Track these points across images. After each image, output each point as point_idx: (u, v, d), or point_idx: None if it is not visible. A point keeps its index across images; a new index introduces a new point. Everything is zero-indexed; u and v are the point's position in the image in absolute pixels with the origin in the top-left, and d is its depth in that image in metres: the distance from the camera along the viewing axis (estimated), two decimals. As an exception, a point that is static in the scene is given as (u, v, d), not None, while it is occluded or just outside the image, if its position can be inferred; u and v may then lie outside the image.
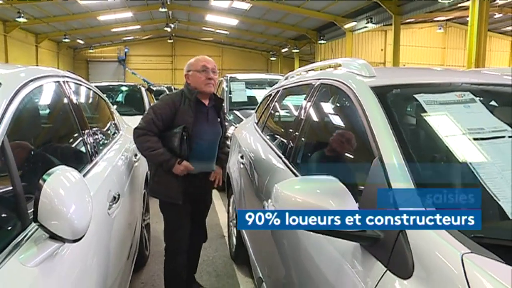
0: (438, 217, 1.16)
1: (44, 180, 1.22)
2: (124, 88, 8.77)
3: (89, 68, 32.70)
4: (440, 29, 26.14)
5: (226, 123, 7.10)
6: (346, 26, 19.54)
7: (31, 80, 1.74)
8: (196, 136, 2.73)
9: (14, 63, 20.23)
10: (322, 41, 22.59)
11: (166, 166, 2.69)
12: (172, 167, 2.69)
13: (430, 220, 1.14)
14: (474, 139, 1.48)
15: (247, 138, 3.67)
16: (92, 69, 32.51)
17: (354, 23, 19.07)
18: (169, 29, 26.14)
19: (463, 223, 1.20)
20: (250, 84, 8.13)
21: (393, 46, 17.15)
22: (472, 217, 1.29)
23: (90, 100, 3.10)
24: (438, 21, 25.58)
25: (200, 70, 2.79)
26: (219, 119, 2.95)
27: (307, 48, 25.96)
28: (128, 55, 32.62)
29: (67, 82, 2.32)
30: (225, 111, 7.35)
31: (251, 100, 7.41)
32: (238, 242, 3.58)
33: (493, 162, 1.40)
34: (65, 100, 2.20)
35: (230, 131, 5.28)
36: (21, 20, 18.63)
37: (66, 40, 25.49)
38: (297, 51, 26.66)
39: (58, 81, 2.18)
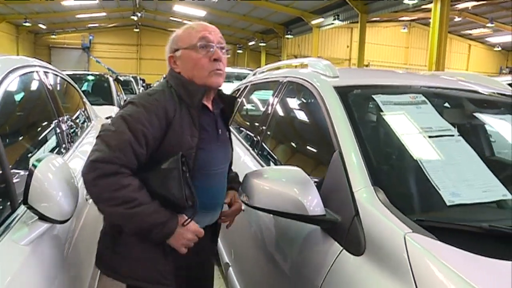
0: (388, 202, 1.35)
1: (35, 166, 1.33)
2: (90, 77, 8.69)
3: (51, 54, 31.73)
4: (404, 29, 26.92)
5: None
6: (313, 22, 19.85)
7: (11, 71, 1.80)
8: (202, 168, 1.60)
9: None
10: (289, 36, 22.85)
11: (158, 235, 1.47)
12: (170, 236, 1.49)
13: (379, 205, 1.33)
14: (423, 136, 1.67)
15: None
16: (54, 55, 31.56)
17: (321, 19, 19.39)
18: (135, 18, 25.73)
19: (408, 207, 1.39)
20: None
21: (359, 43, 17.58)
22: (416, 202, 1.49)
23: (64, 89, 3.14)
24: (402, 21, 26.32)
25: (198, 47, 1.60)
26: (227, 132, 1.82)
27: (274, 42, 26.18)
28: (92, 43, 31.88)
29: (43, 71, 2.38)
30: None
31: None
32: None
33: (437, 157, 1.60)
34: (43, 90, 2.27)
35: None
36: (-24, 0, 17.93)
37: (27, 24, 24.64)
38: (264, 45, 26.84)
39: (35, 71, 2.24)
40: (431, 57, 13.58)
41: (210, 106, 1.69)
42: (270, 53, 28.23)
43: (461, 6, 18.61)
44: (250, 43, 29.16)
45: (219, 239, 2.98)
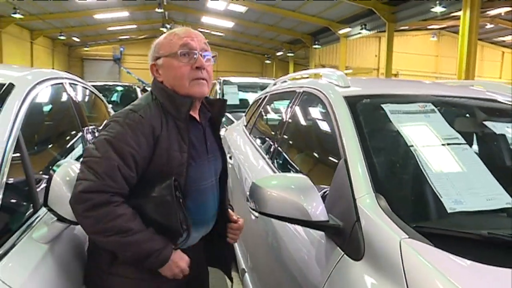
0: (388, 209, 1.39)
1: (54, 171, 1.43)
2: (119, 88, 8.96)
3: (84, 66, 32.72)
4: (433, 37, 26.53)
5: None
6: (341, 32, 19.82)
7: (39, 82, 1.94)
8: (192, 184, 1.55)
9: (8, 58, 20.32)
10: (317, 46, 22.86)
11: (154, 263, 1.44)
12: (165, 263, 1.45)
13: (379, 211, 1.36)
14: (429, 145, 1.70)
15: (236, 139, 3.88)
16: (87, 67, 32.55)
17: (348, 29, 19.35)
18: (165, 30, 26.02)
19: (408, 214, 1.43)
20: (243, 88, 8.35)
21: (386, 53, 17.44)
22: (417, 209, 1.52)
23: (89, 100, 3.28)
24: (432, 29, 25.96)
25: (179, 54, 1.52)
26: (217, 142, 1.74)
27: (302, 52, 26.24)
28: (123, 54, 32.69)
29: (69, 83, 2.52)
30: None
31: (244, 103, 7.62)
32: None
33: (442, 165, 1.62)
34: (68, 100, 2.40)
35: (222, 133, 5.47)
36: (17, 16, 18.70)
37: (62, 38, 25.57)
38: (292, 55, 26.92)
39: (61, 83, 2.38)
40: (461, 65, 13.35)
41: (197, 116, 1.62)
42: (298, 63, 28.27)
43: (493, 12, 18.25)
44: (278, 53, 29.31)
45: (236, 246, 3.06)
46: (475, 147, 1.96)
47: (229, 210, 1.82)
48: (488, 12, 18.02)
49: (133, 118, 1.45)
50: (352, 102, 1.96)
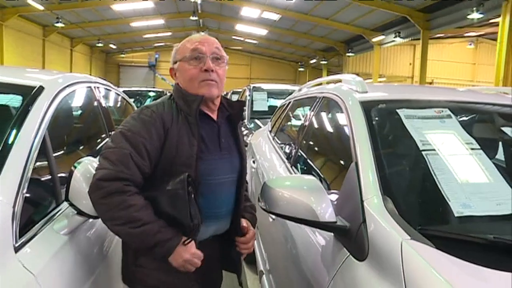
0: (394, 211, 1.41)
1: (75, 167, 1.53)
2: (151, 94, 9.22)
3: (120, 72, 33.63)
4: (470, 44, 25.91)
5: (245, 131, 6.97)
6: (374, 40, 19.64)
7: (67, 86, 2.05)
8: (203, 178, 1.62)
9: (50, 65, 21.22)
10: (350, 54, 22.73)
11: (159, 252, 1.53)
12: (170, 253, 1.53)
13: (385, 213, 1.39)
14: (442, 149, 1.70)
15: (261, 144, 3.94)
16: (123, 73, 33.44)
17: (382, 37, 19.15)
18: (199, 37, 26.70)
19: (414, 216, 1.44)
20: (272, 94, 8.41)
21: (420, 60, 17.16)
22: (424, 212, 1.53)
23: (118, 104, 3.42)
24: (468, 36, 25.37)
25: (189, 58, 1.66)
26: (235, 141, 1.79)
27: (335, 60, 26.13)
28: (158, 61, 33.37)
29: (97, 87, 2.64)
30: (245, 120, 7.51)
31: (272, 110, 7.66)
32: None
33: (453, 170, 1.62)
34: (95, 103, 2.52)
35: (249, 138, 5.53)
36: (59, 25, 19.47)
37: (99, 45, 26.41)
38: (325, 62, 26.83)
39: (90, 86, 2.50)
40: (498, 73, 12.98)
41: (213, 115, 1.72)
42: (331, 70, 28.13)
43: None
44: (312, 61, 29.28)
45: (256, 248, 3.10)
46: (492, 153, 1.94)
47: (246, 219, 1.84)
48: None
49: (145, 113, 1.61)
50: (368, 107, 1.98)
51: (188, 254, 1.55)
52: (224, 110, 1.77)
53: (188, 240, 1.55)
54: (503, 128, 1.94)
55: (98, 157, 1.55)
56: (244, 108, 1.80)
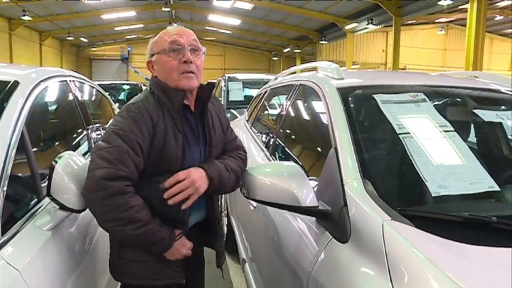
0: (374, 193, 1.45)
1: (56, 162, 1.51)
2: (126, 87, 9.08)
3: (92, 66, 33.03)
4: (441, 30, 26.36)
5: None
6: (347, 27, 19.79)
7: (43, 80, 2.01)
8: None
9: (18, 60, 20.60)
10: (324, 42, 22.85)
11: (157, 249, 1.60)
12: (167, 250, 1.61)
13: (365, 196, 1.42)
14: (417, 132, 1.75)
15: (239, 134, 3.94)
16: (95, 67, 32.85)
17: (355, 24, 19.31)
18: (172, 28, 26.38)
19: (394, 198, 1.48)
20: (247, 84, 8.40)
21: (393, 47, 17.39)
22: (403, 193, 1.58)
23: (93, 98, 3.37)
24: (439, 22, 25.80)
25: (168, 50, 1.66)
26: (202, 127, 1.77)
27: (308, 48, 26.22)
28: (131, 54, 32.90)
29: (72, 81, 2.60)
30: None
31: (248, 99, 7.67)
32: (228, 230, 3.86)
33: (429, 152, 1.67)
34: (71, 97, 2.49)
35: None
36: (26, 18, 18.92)
37: (70, 38, 25.83)
38: (299, 51, 26.91)
39: (65, 80, 2.46)
40: (468, 58, 13.29)
41: (191, 106, 1.73)
42: (305, 59, 28.21)
43: (502, 4, 18.08)
44: (285, 50, 29.31)
45: (237, 237, 3.12)
46: (465, 135, 2.00)
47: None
48: (497, 4, 17.87)
49: (133, 109, 1.61)
50: (345, 93, 2.01)
51: (185, 248, 1.66)
52: (200, 99, 1.78)
53: (180, 235, 1.62)
54: (474, 111, 1.99)
55: (90, 157, 1.54)
56: (212, 88, 1.80)
